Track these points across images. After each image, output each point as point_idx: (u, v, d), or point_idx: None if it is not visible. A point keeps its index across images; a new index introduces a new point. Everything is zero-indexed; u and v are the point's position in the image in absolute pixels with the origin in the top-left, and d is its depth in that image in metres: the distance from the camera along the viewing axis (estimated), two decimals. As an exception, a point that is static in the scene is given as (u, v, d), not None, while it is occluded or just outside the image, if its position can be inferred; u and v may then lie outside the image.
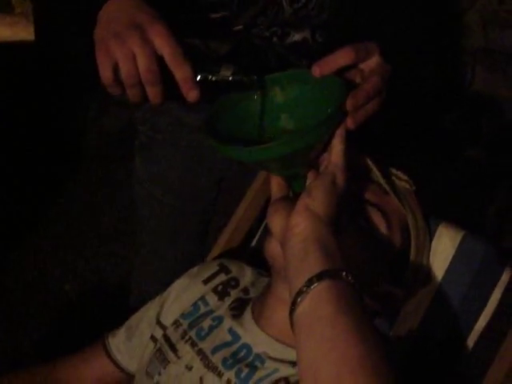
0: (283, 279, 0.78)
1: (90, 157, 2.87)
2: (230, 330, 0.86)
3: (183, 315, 0.93)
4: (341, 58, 0.77)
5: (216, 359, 0.83)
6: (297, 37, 1.05)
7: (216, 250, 1.15)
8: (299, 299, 0.60)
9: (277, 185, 0.79)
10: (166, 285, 1.09)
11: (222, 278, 0.98)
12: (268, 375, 0.78)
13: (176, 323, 0.93)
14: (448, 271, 0.93)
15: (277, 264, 0.78)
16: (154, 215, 1.34)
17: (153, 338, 0.94)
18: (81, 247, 2.39)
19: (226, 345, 0.84)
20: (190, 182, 1.29)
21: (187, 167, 1.28)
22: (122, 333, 1.01)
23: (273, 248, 0.77)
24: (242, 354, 0.83)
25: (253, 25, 1.02)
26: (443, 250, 0.94)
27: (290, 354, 0.79)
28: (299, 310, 0.60)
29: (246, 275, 0.99)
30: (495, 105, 2.53)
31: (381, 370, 0.53)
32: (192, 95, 0.77)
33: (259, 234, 1.17)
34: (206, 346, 0.86)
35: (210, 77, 0.78)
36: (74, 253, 2.35)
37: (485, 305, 0.90)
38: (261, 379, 0.78)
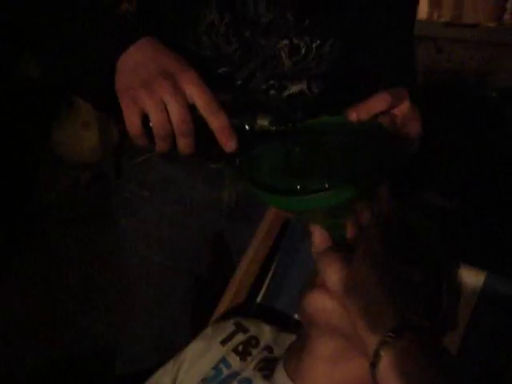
0: (324, 335, 0.75)
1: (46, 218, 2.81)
2: None
3: (205, 380, 0.88)
4: (378, 102, 0.76)
5: None
6: (294, 89, 1.05)
7: (221, 308, 1.11)
8: (382, 352, 0.57)
9: (319, 235, 0.76)
10: (156, 346, 1.04)
11: (241, 337, 0.93)
12: None
13: None
14: (472, 315, 0.91)
15: (320, 319, 0.74)
16: (144, 274, 1.29)
17: None
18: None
19: None
20: (180, 239, 1.26)
21: (176, 224, 1.25)
22: None
23: (319, 302, 0.73)
24: None
25: (251, 78, 1.02)
26: (468, 291, 0.92)
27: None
28: (383, 363, 0.57)
29: (265, 333, 0.95)
30: None
31: None
32: (231, 145, 0.74)
33: (264, 289, 1.14)
34: None
35: (247, 126, 0.75)
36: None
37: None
38: None
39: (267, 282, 1.14)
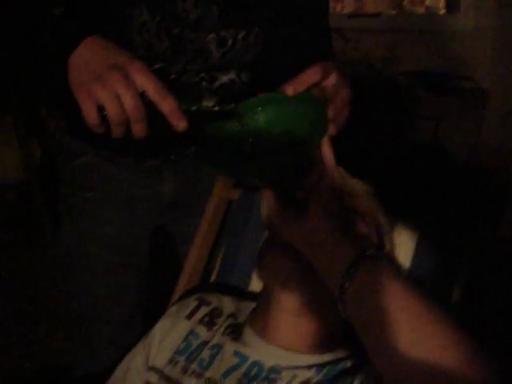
0: (287, 290, 0.82)
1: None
2: (236, 353, 0.86)
3: (178, 352, 0.92)
4: (310, 76, 0.83)
5: (230, 382, 0.83)
6: (224, 79, 1.10)
7: (177, 293, 1.15)
8: (347, 284, 0.63)
9: (272, 198, 0.82)
10: (112, 342, 1.06)
11: (205, 310, 0.98)
12: (288, 383, 0.80)
13: (172, 361, 0.91)
14: (412, 262, 1.00)
15: (282, 274, 0.81)
16: (94, 273, 1.31)
17: None
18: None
19: (235, 368, 0.85)
20: (126, 235, 1.29)
21: (120, 221, 1.28)
22: None
23: (280, 259, 0.80)
24: (254, 371, 0.83)
25: (183, 72, 1.07)
26: (405, 243, 1.01)
27: (304, 360, 0.82)
28: (349, 292, 0.63)
29: (227, 303, 1.00)
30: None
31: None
32: (182, 125, 0.79)
33: (216, 270, 1.19)
34: (213, 373, 0.86)
35: (194, 107, 0.81)
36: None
37: (453, 284, 0.97)
38: None
39: (218, 262, 1.19)
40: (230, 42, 1.06)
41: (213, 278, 1.18)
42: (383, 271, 0.63)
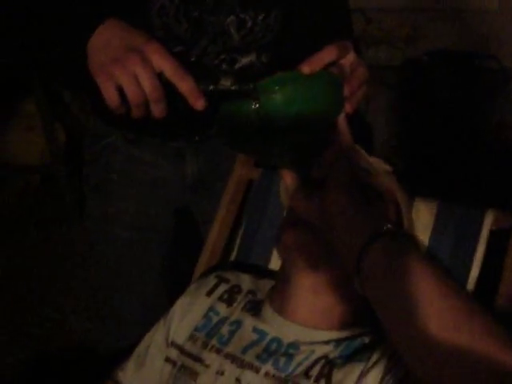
0: (306, 267, 0.83)
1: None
2: (255, 329, 0.88)
3: (197, 328, 0.94)
4: (327, 55, 0.83)
5: (249, 357, 0.84)
6: (244, 61, 1.11)
7: (198, 271, 1.17)
8: (364, 259, 0.63)
9: (290, 177, 0.83)
10: (140, 318, 1.08)
11: (224, 287, 1.00)
12: (306, 358, 0.81)
13: (192, 338, 0.93)
14: (431, 239, 1.00)
15: (302, 252, 0.82)
16: (115, 253, 1.34)
17: (169, 360, 0.94)
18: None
19: (254, 343, 0.86)
20: (147, 215, 1.31)
21: (143, 201, 1.30)
22: (130, 365, 1.00)
23: (300, 236, 0.81)
24: (274, 347, 0.85)
25: (203, 55, 1.08)
26: (424, 220, 1.01)
27: (322, 335, 0.83)
28: (367, 263, 0.63)
29: (246, 280, 1.01)
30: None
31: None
32: (200, 104, 0.80)
33: (236, 248, 1.20)
34: (233, 349, 0.87)
35: (212, 87, 0.82)
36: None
37: (473, 257, 0.97)
38: (300, 363, 0.81)
39: (238, 241, 1.20)
40: (249, 24, 1.06)
41: (232, 256, 1.19)
42: (402, 247, 0.63)
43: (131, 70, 0.77)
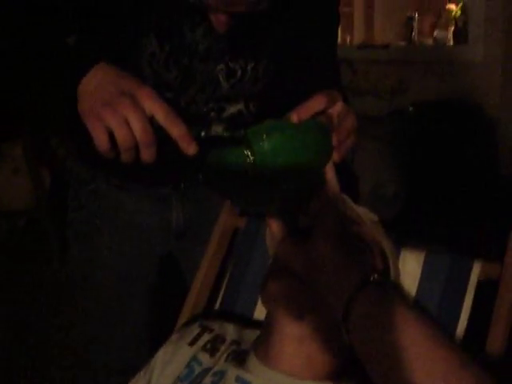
0: (291, 316, 0.81)
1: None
2: (238, 378, 0.85)
3: (180, 378, 0.91)
4: (315, 103, 0.84)
5: None
6: (232, 110, 1.11)
7: (182, 319, 1.14)
8: (350, 310, 0.62)
9: (276, 226, 0.82)
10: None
11: (207, 336, 0.97)
12: None
13: None
14: (419, 288, 0.99)
15: (285, 301, 0.81)
16: (96, 301, 1.31)
17: None
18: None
19: None
20: (130, 262, 1.29)
21: (126, 248, 1.28)
22: None
23: (283, 285, 0.80)
24: None
25: (192, 102, 1.08)
26: (411, 270, 1.00)
27: (306, 386, 0.81)
28: (355, 313, 0.62)
29: (230, 330, 0.99)
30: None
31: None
32: (191, 149, 0.79)
33: (221, 296, 1.18)
34: None
35: (203, 133, 0.81)
36: None
37: (461, 308, 0.95)
38: None
39: (223, 289, 1.18)
40: (239, 73, 1.07)
41: (217, 306, 1.17)
42: (389, 297, 0.62)
43: (122, 113, 0.76)
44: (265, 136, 0.86)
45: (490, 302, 0.93)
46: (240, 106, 1.11)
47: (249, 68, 1.07)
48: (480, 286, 0.95)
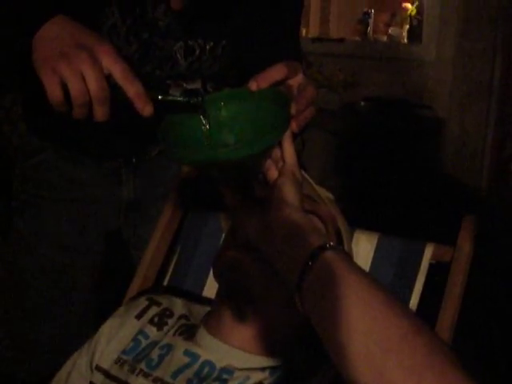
0: (242, 289, 0.80)
1: None
2: (186, 352, 0.84)
3: (124, 352, 0.89)
4: (275, 73, 0.82)
5: (179, 382, 0.80)
6: (189, 88, 1.09)
7: (129, 296, 1.12)
8: (304, 277, 0.61)
9: (231, 195, 0.80)
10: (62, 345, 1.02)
11: (155, 310, 0.95)
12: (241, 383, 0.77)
13: (119, 361, 0.88)
14: (371, 270, 0.99)
15: (238, 272, 0.79)
16: (43, 274, 1.27)
17: None
18: None
19: (186, 367, 0.82)
20: (77, 235, 1.26)
21: (73, 220, 1.25)
22: None
23: (236, 256, 0.78)
24: (206, 371, 0.81)
25: (150, 78, 1.05)
26: (364, 252, 1.00)
27: (258, 362, 0.80)
28: (306, 285, 0.61)
29: (178, 304, 0.97)
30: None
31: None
32: (147, 110, 0.76)
33: (169, 273, 1.16)
34: (162, 373, 0.82)
35: (160, 96, 0.79)
36: None
37: (412, 289, 0.96)
38: None
39: (172, 267, 1.17)
40: (197, 51, 1.06)
41: (165, 282, 1.15)
42: (342, 263, 0.61)
43: (78, 67, 0.73)
44: (222, 103, 0.86)
45: (441, 285, 0.94)
46: (197, 85, 1.10)
47: (207, 47, 1.06)
48: (432, 268, 0.96)
